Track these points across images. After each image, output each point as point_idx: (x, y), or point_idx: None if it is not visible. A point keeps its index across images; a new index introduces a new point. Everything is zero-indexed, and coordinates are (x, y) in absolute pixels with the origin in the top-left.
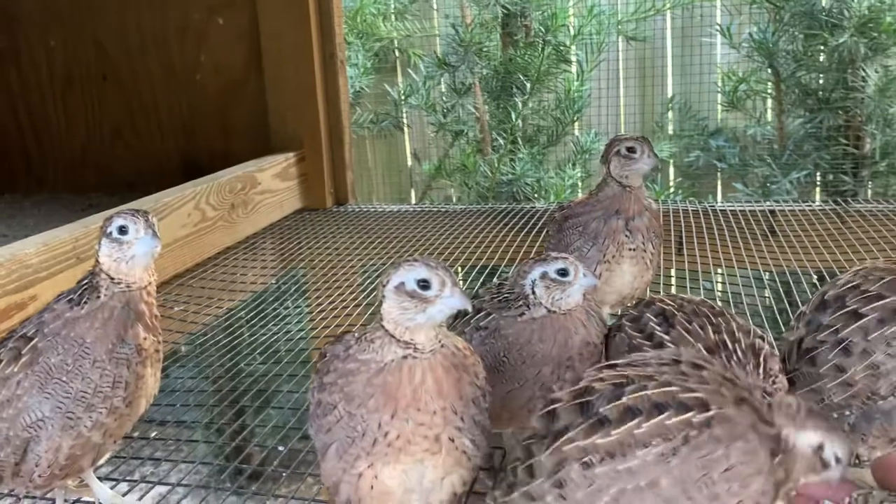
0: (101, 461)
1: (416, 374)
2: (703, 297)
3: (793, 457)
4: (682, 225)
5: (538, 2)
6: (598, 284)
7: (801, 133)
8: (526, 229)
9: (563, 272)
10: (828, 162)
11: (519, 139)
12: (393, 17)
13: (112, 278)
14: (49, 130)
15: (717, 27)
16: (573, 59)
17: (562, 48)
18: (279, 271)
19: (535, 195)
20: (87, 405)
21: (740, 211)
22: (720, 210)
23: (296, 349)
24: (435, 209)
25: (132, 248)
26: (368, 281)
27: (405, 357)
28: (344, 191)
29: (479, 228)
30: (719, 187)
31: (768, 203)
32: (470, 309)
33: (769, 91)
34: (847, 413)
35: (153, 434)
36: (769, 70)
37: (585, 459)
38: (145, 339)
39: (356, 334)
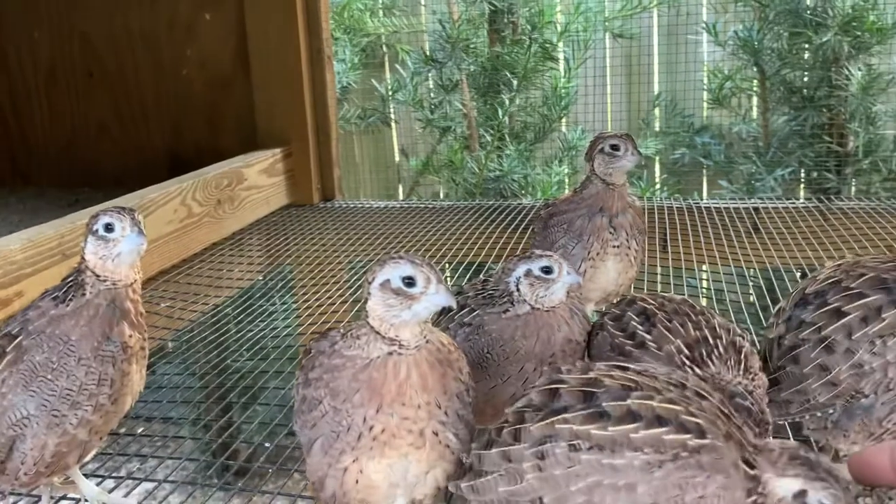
0: (87, 458)
1: (402, 370)
2: (687, 294)
3: (772, 502)
4: (667, 222)
5: None
6: (581, 282)
7: (786, 131)
8: (513, 226)
9: (548, 270)
10: (812, 159)
11: (506, 136)
12: (380, 12)
13: (98, 276)
14: (34, 125)
15: (704, 25)
16: (560, 56)
17: (548, 45)
18: (266, 267)
19: (523, 192)
20: (72, 403)
21: (725, 208)
22: (705, 207)
23: (283, 345)
24: (422, 205)
25: (118, 245)
26: (355, 277)
27: (390, 353)
28: (331, 187)
29: (467, 225)
30: (704, 184)
31: (752, 200)
32: (455, 306)
33: (754, 89)
34: (830, 411)
35: (140, 430)
36: (754, 68)
37: (574, 443)
38: (131, 336)
39: (341, 331)
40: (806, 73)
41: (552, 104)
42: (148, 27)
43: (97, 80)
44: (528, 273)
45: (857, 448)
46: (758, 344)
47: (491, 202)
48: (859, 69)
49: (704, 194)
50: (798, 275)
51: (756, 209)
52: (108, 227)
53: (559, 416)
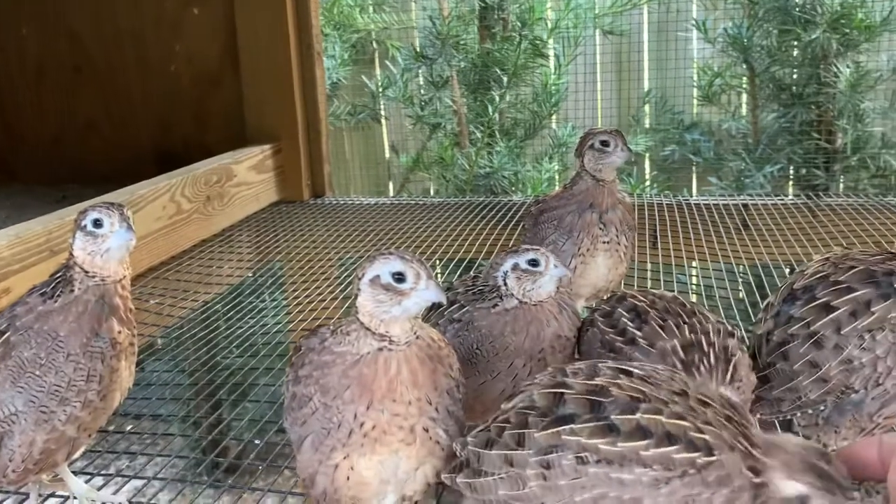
0: (76, 455)
1: (392, 366)
2: (676, 290)
3: (775, 498)
4: (657, 218)
5: None
6: (569, 275)
7: (775, 127)
8: (503, 222)
9: (534, 262)
10: (801, 156)
11: (496, 132)
12: (370, 8)
13: (86, 272)
14: (21, 122)
15: (693, 22)
16: (550, 52)
17: (539, 42)
18: (256, 264)
19: (513, 188)
20: (60, 399)
21: (714, 205)
22: (694, 204)
23: (273, 342)
24: (413, 202)
25: (107, 241)
26: (346, 274)
27: (381, 349)
28: (321, 183)
29: (457, 221)
30: (694, 181)
31: (742, 197)
32: (445, 302)
33: (744, 86)
34: (821, 408)
35: (129, 428)
36: (744, 65)
37: (582, 455)
38: (120, 332)
39: (331, 327)
40: (795, 70)
41: (542, 101)
42: (136, 23)
43: (85, 76)
44: (516, 267)
45: (846, 442)
46: (747, 340)
47: (481, 199)
48: (847, 66)
49: (694, 191)
50: (787, 271)
51: (745, 206)
52: (97, 223)
53: (566, 427)
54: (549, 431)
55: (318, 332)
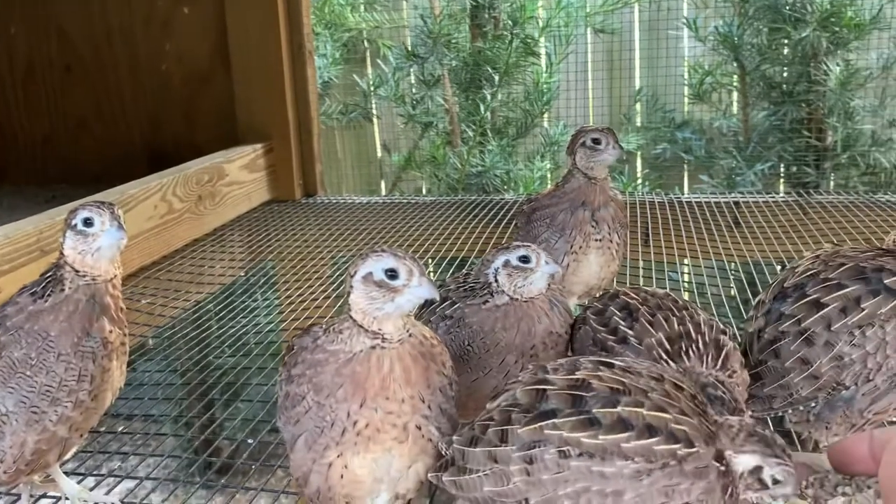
0: (68, 456)
1: (385, 364)
2: (669, 287)
3: (734, 478)
4: (649, 216)
5: None
6: (560, 271)
7: (766, 125)
8: (496, 221)
9: (525, 259)
10: (791, 154)
11: (488, 131)
12: (361, 7)
13: (77, 271)
14: (10, 121)
15: (684, 20)
16: (542, 51)
17: (530, 40)
18: (248, 263)
19: (505, 187)
20: (52, 399)
21: (706, 202)
22: (686, 202)
23: (265, 342)
24: (405, 201)
25: (98, 240)
26: (338, 273)
27: (374, 347)
28: (313, 182)
29: (449, 220)
30: (686, 179)
31: (733, 195)
32: (438, 298)
33: (734, 84)
34: (812, 404)
35: (121, 428)
36: (734, 63)
37: (564, 449)
38: (111, 332)
39: (324, 326)
40: (785, 68)
41: (534, 99)
42: (126, 21)
43: (75, 75)
44: (507, 263)
45: (837, 438)
46: (739, 338)
47: (473, 197)
48: (837, 65)
49: (686, 189)
50: (778, 268)
51: (736, 203)
52: (88, 222)
53: (548, 422)
54: (531, 427)
55: (310, 331)
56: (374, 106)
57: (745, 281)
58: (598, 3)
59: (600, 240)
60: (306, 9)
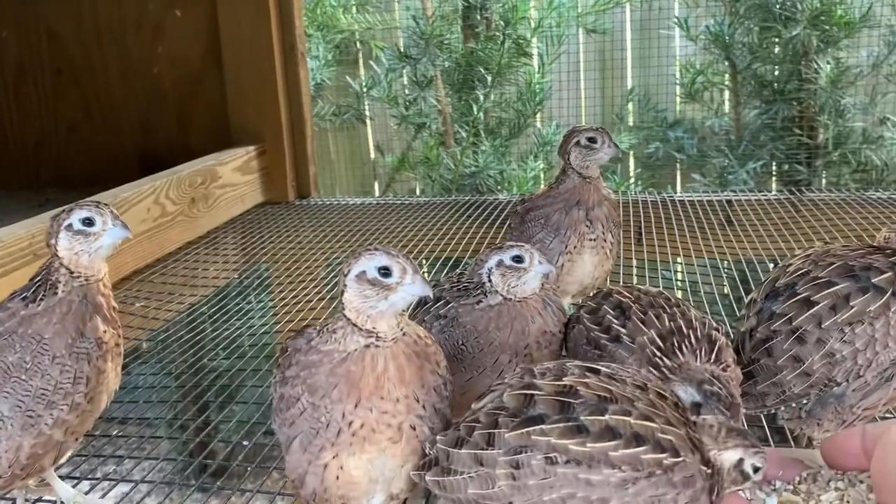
0: (63, 460)
1: (379, 363)
2: (662, 286)
3: (721, 476)
4: (642, 215)
5: None
6: (554, 271)
7: (758, 124)
8: (489, 221)
9: (518, 259)
10: (783, 152)
11: (481, 132)
12: (354, 8)
13: (71, 272)
14: (1, 125)
15: (676, 20)
16: (534, 51)
17: (522, 41)
18: (241, 266)
19: (498, 187)
20: (47, 402)
21: (698, 201)
22: (679, 200)
23: (259, 344)
24: (398, 202)
25: (100, 239)
26: (332, 274)
27: (367, 346)
28: (306, 184)
29: (443, 221)
30: (678, 178)
31: (725, 193)
32: (431, 296)
33: (726, 83)
34: (804, 401)
35: (115, 432)
36: (726, 62)
37: (551, 455)
38: (105, 331)
39: (318, 327)
40: (776, 66)
41: (526, 100)
42: (117, 24)
43: (66, 78)
44: (500, 263)
45: (829, 434)
46: (732, 335)
47: (467, 198)
48: (828, 63)
49: (678, 188)
50: (771, 266)
51: (729, 202)
52: (88, 222)
53: (536, 427)
54: (519, 432)
55: (304, 333)
56: (367, 107)
57: (737, 279)
58: (589, 3)
59: (594, 239)
60: (298, 10)
